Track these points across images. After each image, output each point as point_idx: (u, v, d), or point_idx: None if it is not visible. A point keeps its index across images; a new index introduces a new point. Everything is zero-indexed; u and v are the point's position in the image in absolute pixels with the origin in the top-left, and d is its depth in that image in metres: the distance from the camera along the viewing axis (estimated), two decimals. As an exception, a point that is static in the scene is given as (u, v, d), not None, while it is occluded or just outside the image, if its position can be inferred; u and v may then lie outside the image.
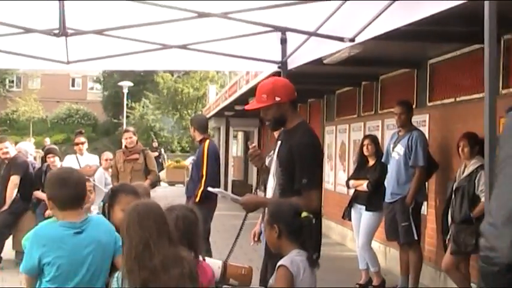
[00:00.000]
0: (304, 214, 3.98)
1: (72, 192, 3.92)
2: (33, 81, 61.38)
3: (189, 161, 36.72)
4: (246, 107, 5.40)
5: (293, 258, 3.93)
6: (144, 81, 50.85)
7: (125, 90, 36.42)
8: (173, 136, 50.58)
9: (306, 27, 5.68)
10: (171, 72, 46.83)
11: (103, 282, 3.95)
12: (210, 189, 5.34)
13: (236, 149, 29.71)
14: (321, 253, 4.65)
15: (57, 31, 4.91)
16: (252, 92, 15.54)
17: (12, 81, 62.38)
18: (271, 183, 4.99)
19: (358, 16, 4.92)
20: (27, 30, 5.22)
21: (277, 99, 4.81)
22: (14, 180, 9.80)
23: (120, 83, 37.37)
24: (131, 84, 36.98)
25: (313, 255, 3.99)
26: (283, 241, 4.02)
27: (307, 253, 3.96)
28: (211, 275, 3.92)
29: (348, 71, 11.13)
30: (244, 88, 15.26)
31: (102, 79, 60.97)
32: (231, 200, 5.09)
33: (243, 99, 17.38)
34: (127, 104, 39.85)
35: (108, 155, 13.43)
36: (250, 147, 5.44)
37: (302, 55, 6.07)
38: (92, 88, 67.47)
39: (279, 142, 5.01)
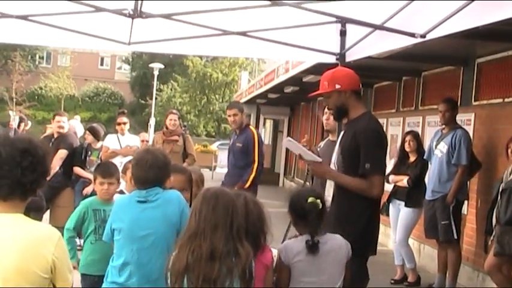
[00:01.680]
0: (310, 199, 4.00)
1: (145, 174, 4.14)
2: (63, 58, 61.68)
3: (215, 146, 36.89)
4: (309, 95, 5.42)
5: (287, 244, 4.06)
6: (173, 63, 50.96)
7: (155, 72, 36.53)
8: (199, 120, 50.70)
9: (368, 21, 5.67)
10: (201, 56, 46.90)
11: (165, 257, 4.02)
12: (286, 140, 5.35)
13: (264, 136, 29.73)
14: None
15: (130, 12, 4.96)
16: (291, 81, 15.63)
17: (42, 57, 62.75)
18: None
19: (427, 12, 4.89)
20: (98, 9, 5.24)
21: (338, 86, 4.85)
22: (61, 154, 9.90)
23: (151, 65, 37.46)
24: (162, 66, 37.08)
25: (314, 239, 3.96)
26: (298, 227, 4.12)
27: (308, 237, 3.97)
28: (270, 254, 3.95)
29: (389, 65, 11.07)
30: (283, 77, 15.25)
31: (131, 59, 61.18)
32: (304, 157, 5.06)
33: (280, 87, 17.41)
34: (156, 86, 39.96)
35: (144, 136, 13.54)
36: (303, 140, 5.47)
37: (363, 48, 6.05)
38: (120, 68, 67.73)
39: (342, 132, 5.05)
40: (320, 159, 5.07)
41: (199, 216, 3.43)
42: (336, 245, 4.09)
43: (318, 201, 4.02)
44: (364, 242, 4.77)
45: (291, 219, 4.16)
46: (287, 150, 25.39)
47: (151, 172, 4.10)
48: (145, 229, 4.05)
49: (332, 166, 5.04)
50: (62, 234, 2.95)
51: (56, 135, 10.08)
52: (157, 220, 4.06)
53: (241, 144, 8.42)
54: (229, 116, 8.59)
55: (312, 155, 5.10)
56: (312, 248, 3.96)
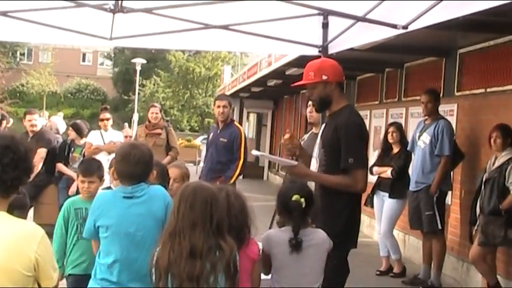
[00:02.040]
0: (294, 197, 4.01)
1: (130, 169, 4.08)
2: (44, 54, 61.31)
3: (199, 141, 36.81)
4: (293, 84, 5.39)
5: (269, 233, 4.12)
6: (155, 58, 50.81)
7: (138, 68, 36.40)
8: (183, 115, 50.61)
9: (350, 12, 5.67)
10: (183, 51, 46.79)
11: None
12: (256, 152, 5.31)
13: (248, 130, 29.71)
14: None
15: (111, 7, 4.93)
16: (274, 75, 15.62)
17: (23, 54, 62.33)
18: (314, 165, 5.00)
19: (408, 4, 4.90)
20: (79, 5, 5.20)
21: (324, 77, 4.82)
22: (41, 153, 9.87)
23: (134, 60, 37.32)
24: (144, 61, 36.99)
25: (297, 238, 3.98)
26: (280, 217, 4.18)
27: (290, 234, 4.00)
28: (257, 247, 3.95)
29: (372, 57, 11.09)
30: (266, 70, 15.24)
31: (113, 55, 60.93)
32: (280, 164, 5.09)
33: (263, 81, 17.41)
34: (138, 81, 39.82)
35: (128, 131, 13.51)
36: (284, 136, 5.40)
37: (345, 40, 6.05)
38: (102, 64, 67.44)
39: (323, 125, 5.03)
40: (295, 163, 5.00)
41: (177, 213, 3.42)
42: (317, 239, 4.12)
43: (302, 200, 4.02)
44: (345, 236, 4.75)
45: (277, 209, 4.20)
46: (271, 143, 25.44)
47: (138, 167, 4.06)
48: (133, 225, 4.01)
49: (313, 160, 5.02)
50: (46, 232, 2.90)
51: (30, 134, 10.01)
52: (144, 216, 4.03)
53: (226, 140, 8.32)
54: (218, 106, 8.44)
55: (287, 161, 5.08)
56: (296, 246, 3.98)
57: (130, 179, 4.08)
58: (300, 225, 4.02)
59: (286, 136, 5.36)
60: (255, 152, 5.36)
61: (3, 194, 2.83)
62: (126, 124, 26.67)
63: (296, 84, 5.19)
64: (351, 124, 4.79)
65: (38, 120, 10.25)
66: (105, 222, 4.05)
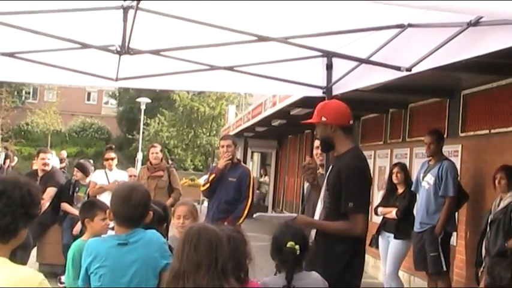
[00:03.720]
0: (289, 244, 4.00)
1: (131, 212, 4.00)
2: (50, 93, 61.63)
3: (203, 180, 36.75)
4: (302, 122, 5.46)
5: (264, 281, 4.09)
6: (159, 98, 51.01)
7: (142, 107, 36.53)
8: (187, 154, 50.63)
9: (354, 54, 5.71)
10: (188, 91, 46.99)
11: None
12: (257, 215, 5.30)
13: (252, 169, 29.77)
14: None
15: (118, 48, 4.97)
16: (278, 115, 15.67)
17: (29, 93, 62.66)
18: (319, 207, 5.04)
19: (412, 46, 4.94)
20: (85, 46, 5.25)
21: (323, 119, 4.90)
22: (51, 192, 9.93)
23: (138, 99, 37.48)
24: (149, 100, 37.10)
25: (290, 286, 3.98)
26: (275, 262, 4.14)
27: (285, 281, 3.98)
28: None
29: (376, 98, 11.12)
30: (270, 110, 15.30)
31: (117, 94, 61.22)
32: (280, 221, 5.10)
33: (267, 120, 17.45)
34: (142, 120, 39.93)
35: (132, 171, 13.50)
36: (305, 161, 5.50)
37: (349, 82, 6.09)
38: (106, 102, 67.72)
39: (330, 167, 5.05)
40: (295, 215, 5.07)
41: (181, 255, 3.36)
42: (312, 283, 4.10)
43: (297, 246, 4.01)
44: (347, 280, 4.80)
45: (271, 254, 4.16)
46: (275, 183, 25.40)
47: (138, 211, 4.00)
48: (127, 274, 3.92)
49: (319, 202, 5.04)
50: (49, 272, 2.84)
51: (40, 173, 10.03)
52: (139, 263, 3.94)
53: (235, 180, 8.32)
54: (222, 146, 8.45)
55: (286, 216, 5.23)
56: None
57: (129, 222, 4.00)
58: (293, 272, 4.02)
59: (306, 161, 5.43)
60: (254, 215, 5.38)
61: (1, 239, 2.78)
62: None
63: (303, 122, 5.27)
64: (352, 168, 4.83)
65: (51, 160, 10.31)
66: (99, 271, 3.94)
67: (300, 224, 4.90)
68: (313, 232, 4.97)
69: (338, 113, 4.96)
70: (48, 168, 10.12)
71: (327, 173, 5.06)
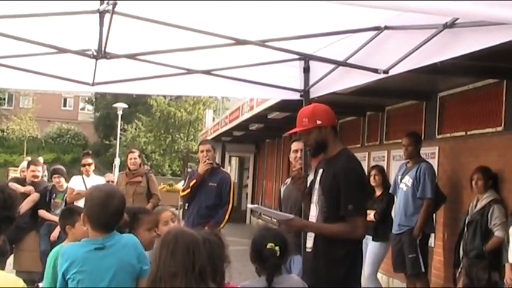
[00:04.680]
0: (269, 245, 3.97)
1: (108, 219, 3.96)
2: (25, 99, 61.20)
3: (181, 185, 36.65)
4: (288, 132, 5.39)
5: (244, 284, 4.05)
6: (136, 103, 50.84)
7: (119, 112, 36.36)
8: (164, 159, 50.47)
9: (331, 57, 5.72)
10: (165, 96, 46.86)
11: None
12: (251, 206, 5.30)
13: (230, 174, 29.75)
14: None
15: (94, 53, 4.93)
16: (255, 119, 15.67)
17: (4, 99, 62.18)
18: (314, 211, 4.97)
19: (389, 49, 4.96)
20: (61, 51, 5.20)
21: (319, 122, 4.84)
22: (34, 197, 9.93)
23: (115, 105, 37.30)
24: (126, 106, 36.93)
25: (271, 287, 3.96)
26: (254, 265, 4.11)
27: (265, 284, 3.97)
28: None
29: (353, 101, 11.15)
30: (247, 115, 15.29)
31: (94, 100, 60.94)
32: (276, 218, 5.08)
33: (245, 125, 17.44)
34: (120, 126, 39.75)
35: (110, 176, 13.44)
36: (293, 170, 5.46)
37: (326, 85, 6.09)
38: (83, 108, 67.42)
39: (321, 170, 4.99)
40: (292, 216, 5.04)
41: (158, 260, 3.34)
42: (291, 286, 4.09)
43: (277, 248, 3.99)
44: (348, 282, 4.78)
45: (250, 257, 4.12)
46: (253, 187, 25.38)
47: (115, 217, 3.96)
48: (106, 278, 3.89)
49: (313, 207, 5.00)
50: (25, 280, 2.81)
51: (29, 182, 10.12)
52: (117, 267, 3.91)
53: (216, 184, 8.29)
54: (202, 151, 8.42)
55: (283, 215, 5.13)
56: None
57: (105, 227, 3.96)
58: (274, 275, 3.99)
59: (295, 172, 5.41)
60: (250, 206, 5.36)
61: None
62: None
63: (291, 131, 5.16)
64: (351, 171, 4.80)
65: (40, 172, 10.39)
66: (77, 276, 3.89)
67: (295, 226, 4.92)
68: (310, 234, 4.95)
69: (329, 114, 4.95)
70: (37, 180, 10.19)
71: (318, 177, 4.99)
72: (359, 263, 4.92)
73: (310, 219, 5.00)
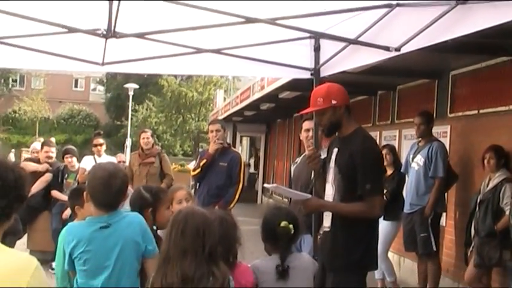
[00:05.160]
0: (283, 224, 3.98)
1: (111, 198, 3.97)
2: (37, 80, 61.36)
3: (192, 165, 36.72)
4: (302, 112, 5.36)
5: (255, 264, 4.02)
6: (147, 84, 50.91)
7: (130, 93, 36.41)
8: (176, 140, 50.57)
9: (342, 35, 5.67)
10: (176, 76, 46.89)
11: (133, 281, 3.95)
12: (268, 186, 5.29)
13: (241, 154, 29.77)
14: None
15: (104, 32, 4.92)
16: (266, 98, 15.64)
17: (16, 80, 62.37)
18: (330, 191, 4.96)
19: (400, 26, 4.91)
20: (71, 30, 5.19)
21: (334, 102, 4.81)
22: (47, 177, 10.10)
23: (126, 85, 37.35)
24: (137, 86, 36.97)
25: (284, 265, 3.98)
26: (267, 245, 4.13)
27: (278, 262, 3.98)
28: (252, 276, 3.90)
29: (364, 80, 11.09)
30: (258, 94, 15.26)
31: (105, 81, 61.01)
32: (293, 198, 5.05)
33: (256, 105, 17.42)
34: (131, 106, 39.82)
35: (121, 157, 13.48)
36: (308, 149, 5.45)
37: (337, 63, 6.05)
38: (94, 89, 67.55)
39: (336, 149, 4.96)
40: (309, 196, 5.03)
41: (169, 240, 3.36)
42: (303, 264, 4.11)
43: (291, 226, 3.99)
44: (367, 261, 4.82)
45: (262, 236, 4.14)
46: (264, 167, 25.40)
47: (118, 196, 3.98)
48: (112, 257, 3.91)
49: (329, 186, 4.98)
50: (39, 259, 2.81)
51: (43, 163, 10.30)
52: (122, 245, 3.92)
53: (226, 164, 8.28)
54: (211, 131, 8.41)
55: (300, 194, 5.10)
56: (282, 274, 3.96)
57: (108, 206, 3.97)
58: (287, 252, 4.01)
59: (310, 151, 5.40)
60: (267, 186, 5.33)
61: None
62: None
63: (305, 111, 5.14)
64: (368, 150, 4.78)
65: (54, 153, 10.52)
66: (83, 255, 3.92)
67: (313, 205, 4.91)
68: (327, 213, 4.94)
69: (344, 93, 4.93)
70: (51, 161, 10.35)
71: (333, 156, 4.96)
72: (376, 243, 4.93)
73: (326, 199, 4.98)
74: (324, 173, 5.09)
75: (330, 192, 4.94)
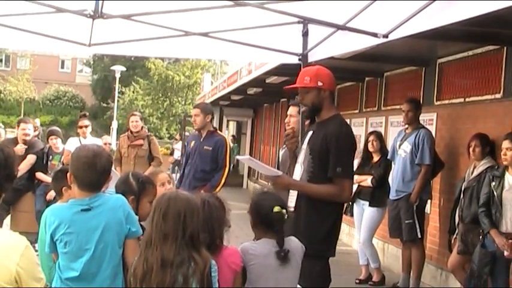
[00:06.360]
0: (276, 209, 3.98)
1: (96, 178, 3.91)
2: (23, 60, 60.87)
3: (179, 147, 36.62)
4: (287, 87, 5.35)
5: (244, 246, 3.98)
6: (134, 66, 50.68)
7: (117, 75, 36.27)
8: (162, 123, 50.42)
9: (330, 21, 5.66)
10: (163, 59, 46.65)
11: (115, 265, 3.91)
12: (240, 157, 5.30)
13: (227, 138, 29.73)
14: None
15: (91, 13, 4.88)
16: (254, 83, 15.62)
17: (1, 60, 61.89)
18: (298, 171, 5.01)
19: (389, 13, 4.90)
20: (59, 10, 5.14)
21: (320, 84, 4.87)
22: (31, 159, 9.95)
23: (113, 67, 37.18)
24: (124, 68, 36.85)
25: (284, 249, 3.97)
26: (257, 230, 4.11)
27: (276, 246, 3.98)
28: (239, 259, 3.89)
29: (352, 66, 11.10)
30: (246, 79, 15.23)
31: (92, 62, 60.65)
32: (263, 173, 5.06)
33: (243, 89, 17.39)
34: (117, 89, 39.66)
35: (107, 139, 13.42)
36: (287, 128, 5.47)
37: (325, 49, 6.04)
38: (81, 71, 67.12)
39: (311, 132, 5.02)
40: (280, 173, 5.06)
41: (151, 223, 3.38)
42: (293, 247, 4.09)
43: (284, 211, 4.01)
44: (328, 244, 4.84)
45: (252, 221, 4.13)
46: (250, 152, 25.40)
47: (103, 176, 3.92)
48: (93, 239, 3.84)
49: (298, 166, 5.01)
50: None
51: (21, 142, 10.01)
52: (104, 228, 3.85)
53: (211, 148, 8.27)
54: (191, 116, 8.53)
55: (272, 170, 5.11)
56: (284, 258, 3.96)
57: (92, 187, 3.91)
58: (283, 237, 4.01)
59: (288, 130, 5.49)
60: (239, 157, 5.36)
61: None
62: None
63: (290, 87, 5.19)
64: (342, 134, 4.84)
65: (31, 130, 10.27)
66: (64, 238, 3.86)
67: (282, 183, 4.91)
68: (292, 194, 4.95)
69: (331, 79, 5.00)
70: (28, 138, 10.08)
71: (307, 138, 5.01)
72: (338, 230, 4.95)
73: (294, 178, 5.03)
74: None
75: (298, 172, 5.00)
